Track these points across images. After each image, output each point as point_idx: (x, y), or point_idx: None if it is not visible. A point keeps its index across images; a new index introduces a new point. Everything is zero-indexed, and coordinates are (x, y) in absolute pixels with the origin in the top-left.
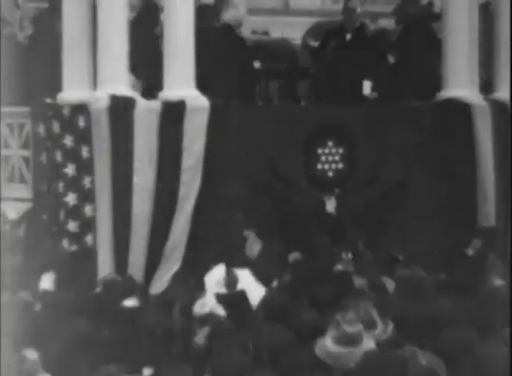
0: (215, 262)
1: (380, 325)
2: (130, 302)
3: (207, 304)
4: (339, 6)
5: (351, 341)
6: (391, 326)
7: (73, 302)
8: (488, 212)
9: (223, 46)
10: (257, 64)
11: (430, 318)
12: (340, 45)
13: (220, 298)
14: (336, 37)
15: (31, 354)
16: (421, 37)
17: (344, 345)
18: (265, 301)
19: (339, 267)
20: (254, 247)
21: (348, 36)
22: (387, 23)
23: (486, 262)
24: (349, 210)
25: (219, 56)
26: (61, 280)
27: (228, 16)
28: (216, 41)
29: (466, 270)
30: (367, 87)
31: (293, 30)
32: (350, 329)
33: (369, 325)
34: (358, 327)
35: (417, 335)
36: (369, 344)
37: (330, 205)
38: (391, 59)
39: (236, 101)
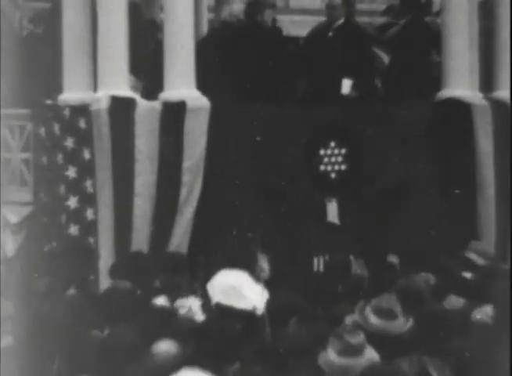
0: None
1: (400, 317)
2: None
3: (189, 306)
4: None
5: (355, 351)
6: (411, 321)
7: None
8: (488, 213)
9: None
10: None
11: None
12: (320, 43)
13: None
14: (319, 35)
15: None
16: (418, 35)
17: (347, 356)
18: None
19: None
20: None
21: (330, 34)
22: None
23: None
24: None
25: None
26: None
27: (225, 11)
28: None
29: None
30: (347, 86)
31: (293, 29)
32: (352, 339)
33: (389, 316)
34: (360, 338)
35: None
36: (371, 354)
37: (332, 207)
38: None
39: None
